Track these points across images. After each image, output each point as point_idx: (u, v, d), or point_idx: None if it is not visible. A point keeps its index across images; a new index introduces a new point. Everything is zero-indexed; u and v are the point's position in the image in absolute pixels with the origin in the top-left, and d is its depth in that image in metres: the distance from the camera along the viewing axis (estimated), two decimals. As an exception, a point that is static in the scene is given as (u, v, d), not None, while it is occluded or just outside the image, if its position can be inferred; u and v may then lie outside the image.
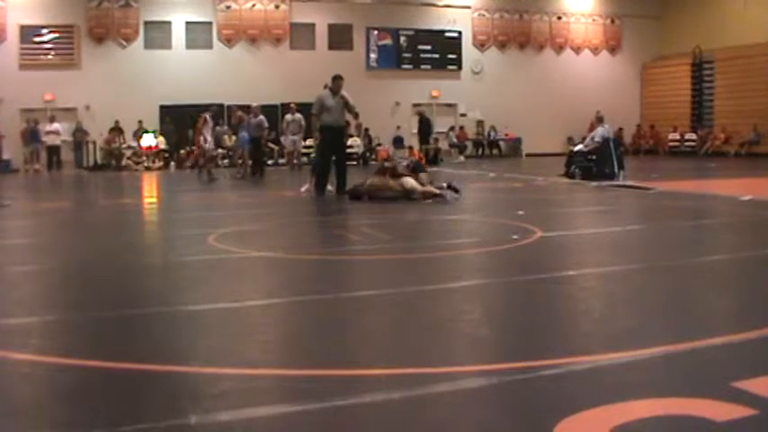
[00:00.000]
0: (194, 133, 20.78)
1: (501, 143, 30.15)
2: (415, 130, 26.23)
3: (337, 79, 13.69)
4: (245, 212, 12.09)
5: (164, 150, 25.21)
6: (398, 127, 27.57)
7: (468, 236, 9.13)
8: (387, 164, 13.20)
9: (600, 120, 17.62)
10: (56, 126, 23.57)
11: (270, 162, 25.02)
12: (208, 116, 18.92)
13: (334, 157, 13.76)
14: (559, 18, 31.10)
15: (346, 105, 13.79)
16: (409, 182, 12.35)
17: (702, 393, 3.17)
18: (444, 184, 12.63)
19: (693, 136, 29.51)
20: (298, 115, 21.80)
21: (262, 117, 19.99)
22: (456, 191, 12.35)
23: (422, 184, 12.49)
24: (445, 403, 3.19)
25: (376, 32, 28.49)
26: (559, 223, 9.83)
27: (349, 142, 22.75)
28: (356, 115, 14.00)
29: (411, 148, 22.27)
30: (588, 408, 3.03)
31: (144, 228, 10.90)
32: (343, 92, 13.71)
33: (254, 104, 20.56)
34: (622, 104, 30.11)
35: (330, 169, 13.74)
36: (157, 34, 26.08)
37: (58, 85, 24.68)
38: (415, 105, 28.87)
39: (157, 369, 3.67)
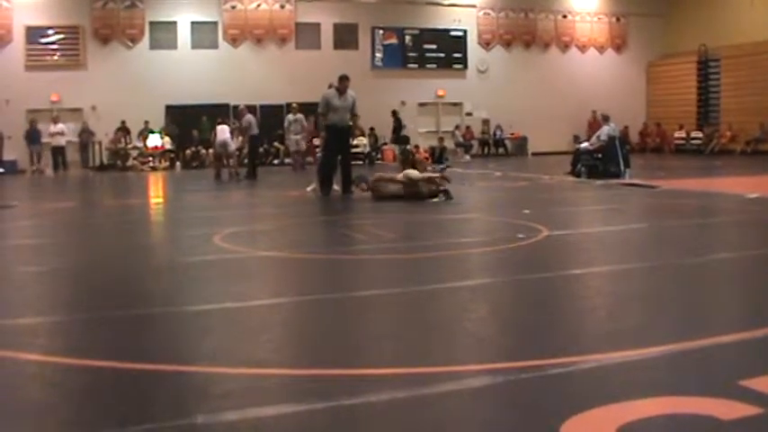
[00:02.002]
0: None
1: (507, 142, 30.10)
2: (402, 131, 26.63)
3: (344, 79, 13.66)
4: (251, 212, 12.11)
5: (169, 150, 25.25)
6: (404, 126, 27.58)
7: (473, 235, 9.12)
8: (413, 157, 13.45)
9: (606, 118, 17.60)
10: (60, 127, 23.54)
11: (276, 162, 25.08)
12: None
13: (339, 157, 13.76)
14: (565, 17, 31.04)
15: (353, 106, 13.77)
16: (412, 172, 12.44)
17: (709, 392, 3.17)
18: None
19: (699, 134, 29.40)
20: (299, 115, 21.77)
21: (248, 117, 19.61)
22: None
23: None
24: (450, 402, 3.19)
25: (381, 32, 28.47)
26: (565, 222, 9.81)
27: (355, 141, 22.78)
28: (356, 117, 14.06)
29: (417, 146, 22.31)
30: (595, 406, 3.03)
31: (150, 228, 10.93)
32: (351, 92, 13.70)
33: (241, 105, 20.43)
34: (628, 103, 30.03)
35: (335, 168, 13.72)
36: (163, 34, 26.11)
37: (64, 86, 24.71)
38: (420, 105, 28.91)
39: (164, 369, 3.68)
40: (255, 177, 18.91)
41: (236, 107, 21.26)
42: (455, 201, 11.87)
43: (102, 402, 3.24)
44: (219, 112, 22.18)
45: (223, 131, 18.97)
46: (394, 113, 26.83)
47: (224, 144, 19.01)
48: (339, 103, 13.53)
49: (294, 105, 22.12)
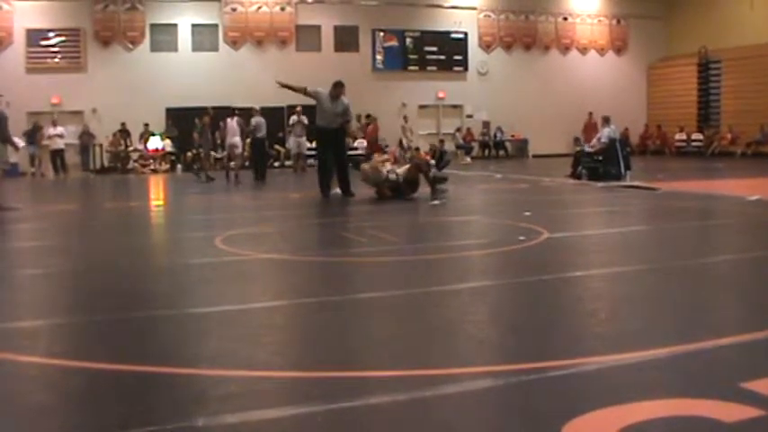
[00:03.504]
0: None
1: (507, 144, 30.10)
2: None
3: (338, 86, 13.53)
4: (252, 215, 12.11)
5: (170, 153, 25.25)
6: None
7: (474, 237, 9.12)
8: (416, 161, 13.53)
9: (606, 120, 17.60)
10: (59, 129, 23.47)
11: (276, 164, 25.08)
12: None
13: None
14: (565, 19, 31.05)
15: (345, 112, 13.60)
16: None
17: (710, 394, 3.17)
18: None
19: (700, 136, 29.41)
20: (303, 117, 21.76)
21: (255, 118, 19.65)
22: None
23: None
24: (452, 405, 3.19)
25: (382, 34, 28.47)
26: (566, 224, 9.81)
27: (355, 144, 22.76)
28: (348, 123, 13.96)
29: (418, 149, 22.29)
30: (596, 409, 3.03)
31: (151, 230, 10.93)
32: (345, 98, 13.58)
33: (256, 107, 20.48)
34: (629, 105, 30.04)
35: (332, 170, 13.67)
36: (163, 37, 26.12)
37: (64, 89, 24.72)
38: (421, 107, 28.91)
39: (165, 371, 3.68)
40: (263, 179, 18.91)
41: (239, 109, 21.25)
42: (455, 203, 11.87)
43: (102, 405, 3.24)
44: (221, 115, 22.12)
45: (234, 131, 18.91)
46: (368, 117, 26.81)
47: (234, 145, 19.03)
48: (329, 106, 13.42)
49: (299, 108, 22.09)
